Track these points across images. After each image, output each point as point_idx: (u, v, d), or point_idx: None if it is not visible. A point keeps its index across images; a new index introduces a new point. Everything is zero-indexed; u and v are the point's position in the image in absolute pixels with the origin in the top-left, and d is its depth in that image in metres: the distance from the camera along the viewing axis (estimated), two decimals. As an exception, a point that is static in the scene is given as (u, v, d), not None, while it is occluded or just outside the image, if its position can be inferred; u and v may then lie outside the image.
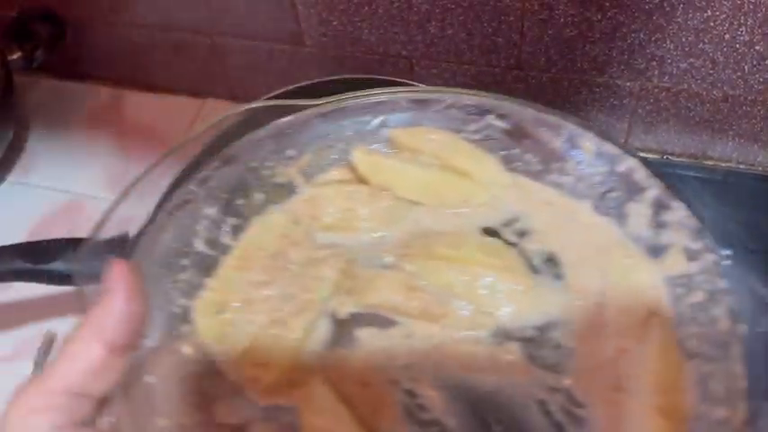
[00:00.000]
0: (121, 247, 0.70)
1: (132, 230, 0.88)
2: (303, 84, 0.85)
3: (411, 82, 0.86)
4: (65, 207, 0.98)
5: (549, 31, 0.83)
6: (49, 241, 0.68)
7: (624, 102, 0.88)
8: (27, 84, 1.13)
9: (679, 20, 0.77)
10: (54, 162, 1.04)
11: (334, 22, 0.90)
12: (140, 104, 1.10)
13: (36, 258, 0.65)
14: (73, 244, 0.67)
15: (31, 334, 0.86)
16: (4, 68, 0.97)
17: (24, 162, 1.05)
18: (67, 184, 1.01)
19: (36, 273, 0.67)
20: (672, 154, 0.93)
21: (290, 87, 0.84)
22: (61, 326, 0.86)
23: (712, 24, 0.76)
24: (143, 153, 1.03)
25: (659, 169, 0.90)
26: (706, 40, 0.78)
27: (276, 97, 0.83)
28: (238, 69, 1.02)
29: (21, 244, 0.68)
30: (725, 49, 0.78)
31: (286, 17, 0.92)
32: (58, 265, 0.66)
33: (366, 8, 0.87)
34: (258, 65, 1.00)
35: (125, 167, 1.02)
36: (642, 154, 0.93)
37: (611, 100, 0.88)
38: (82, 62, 1.11)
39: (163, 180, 0.98)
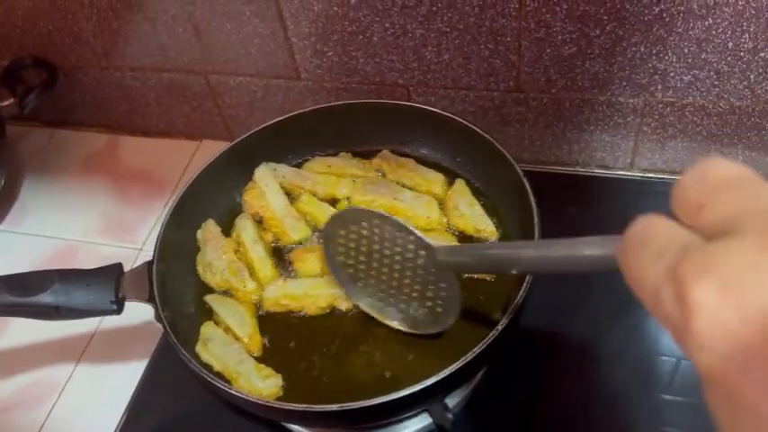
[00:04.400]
0: (114, 277, 0.67)
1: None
2: (295, 113, 0.82)
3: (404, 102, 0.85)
4: (59, 253, 0.96)
5: (548, 50, 0.81)
6: (35, 273, 0.65)
7: (628, 119, 0.86)
8: (21, 134, 1.12)
9: (680, 30, 0.75)
10: (48, 210, 1.02)
11: (329, 53, 0.89)
12: (135, 149, 1.08)
13: (23, 291, 0.62)
14: (60, 276, 0.64)
15: (20, 385, 0.82)
16: (-5, 114, 0.95)
17: (17, 211, 1.03)
18: (61, 231, 0.98)
19: (23, 306, 0.63)
20: (680, 172, 0.90)
21: (283, 117, 0.82)
22: (56, 373, 0.83)
23: (714, 33, 0.75)
24: (139, 198, 1.01)
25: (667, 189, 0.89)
26: (709, 50, 0.76)
27: (270, 127, 0.81)
28: (233, 108, 1.01)
29: (6, 276, 0.65)
30: (729, 59, 0.77)
31: (280, 50, 0.90)
32: (45, 298, 0.62)
33: (360, 37, 0.86)
34: (253, 102, 0.99)
35: (121, 212, 1.00)
36: (650, 174, 0.91)
37: (615, 118, 0.86)
38: (75, 109, 1.10)
39: (151, 218, 0.97)
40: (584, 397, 0.72)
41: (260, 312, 0.72)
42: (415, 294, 0.65)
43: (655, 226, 0.29)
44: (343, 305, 0.71)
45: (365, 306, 0.69)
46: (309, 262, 0.73)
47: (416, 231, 0.61)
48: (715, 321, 0.24)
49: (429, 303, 0.64)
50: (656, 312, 0.27)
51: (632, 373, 0.73)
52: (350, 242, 0.66)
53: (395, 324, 0.68)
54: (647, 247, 0.29)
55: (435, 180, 0.79)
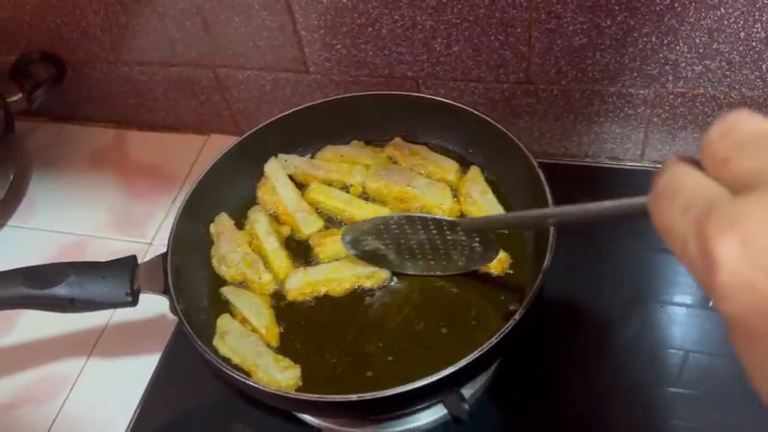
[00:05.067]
0: (128, 269, 0.67)
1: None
2: (306, 105, 0.82)
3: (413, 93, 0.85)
4: (68, 248, 0.96)
5: (558, 41, 0.81)
6: (51, 266, 0.65)
7: (639, 111, 0.86)
8: (28, 129, 1.12)
9: (691, 20, 0.75)
10: (56, 205, 1.02)
11: (338, 46, 0.89)
12: (143, 144, 1.08)
13: (39, 283, 0.62)
14: (75, 268, 0.64)
15: (31, 380, 0.82)
16: (3, 110, 0.95)
17: (26, 206, 1.03)
18: (70, 227, 0.98)
19: (38, 298, 0.63)
20: (691, 164, 0.90)
21: (294, 109, 0.82)
22: (67, 368, 0.83)
23: (726, 23, 0.74)
24: (147, 192, 1.01)
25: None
26: (720, 40, 0.76)
27: (281, 119, 0.81)
28: (242, 102, 1.01)
29: (22, 268, 0.65)
30: (740, 49, 0.76)
31: (289, 44, 0.90)
32: (60, 290, 0.62)
33: (370, 29, 0.86)
34: (262, 96, 0.99)
35: (129, 207, 1.00)
36: (660, 165, 0.91)
37: (626, 110, 0.86)
38: (82, 104, 1.10)
39: (159, 213, 0.97)
40: (600, 387, 0.72)
41: (283, 303, 0.72)
42: (452, 249, 0.67)
43: (683, 177, 0.30)
44: (368, 283, 0.72)
45: (410, 270, 0.71)
46: (329, 245, 0.74)
47: (429, 215, 0.64)
48: (737, 275, 0.26)
49: (467, 252, 0.67)
50: (683, 261, 0.29)
51: (647, 365, 0.73)
52: (375, 239, 0.68)
53: (441, 273, 0.71)
54: (676, 199, 0.30)
55: (449, 167, 0.79)
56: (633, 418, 0.70)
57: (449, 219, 0.63)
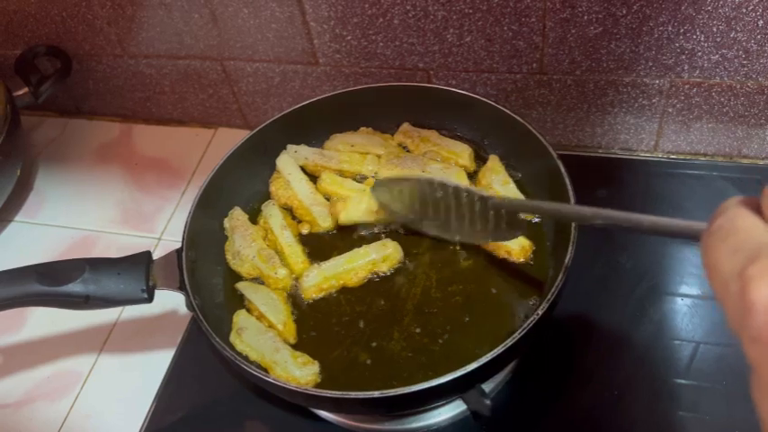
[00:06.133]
0: (143, 265, 0.66)
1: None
2: (317, 98, 0.82)
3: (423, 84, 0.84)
4: (77, 243, 0.95)
5: (573, 30, 0.80)
6: (65, 262, 0.64)
7: (653, 101, 0.85)
8: (34, 123, 1.11)
9: (709, 8, 0.74)
10: (64, 200, 1.01)
11: (348, 37, 0.88)
12: (150, 138, 1.07)
13: (53, 280, 0.61)
14: (89, 264, 0.63)
15: (42, 377, 0.82)
16: (9, 104, 0.94)
17: (33, 201, 1.02)
18: (78, 222, 0.97)
19: (53, 296, 0.62)
20: (705, 155, 0.89)
21: (305, 102, 0.81)
22: (78, 365, 0.82)
23: (744, 11, 0.73)
24: (155, 187, 1.00)
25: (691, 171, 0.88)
26: (738, 29, 0.75)
27: (292, 113, 0.80)
28: (250, 95, 1.00)
29: (35, 265, 0.64)
30: (758, 37, 0.75)
31: (298, 35, 0.89)
32: (75, 287, 0.61)
33: (381, 20, 0.85)
34: (270, 88, 0.98)
35: (137, 202, 0.99)
36: (674, 156, 0.90)
37: (640, 100, 0.85)
38: (89, 98, 1.08)
39: (168, 207, 0.96)
40: (618, 382, 0.71)
41: (298, 298, 0.71)
42: (477, 220, 0.66)
43: (739, 220, 0.31)
44: (383, 267, 0.72)
45: (427, 229, 0.72)
46: (349, 210, 0.74)
47: (465, 186, 0.65)
48: None
49: (491, 226, 0.65)
50: (721, 300, 0.30)
51: (666, 358, 0.72)
52: (403, 197, 0.69)
53: (458, 239, 0.71)
54: (727, 240, 0.30)
55: (462, 151, 0.79)
56: (653, 412, 0.69)
57: (482, 193, 0.64)
